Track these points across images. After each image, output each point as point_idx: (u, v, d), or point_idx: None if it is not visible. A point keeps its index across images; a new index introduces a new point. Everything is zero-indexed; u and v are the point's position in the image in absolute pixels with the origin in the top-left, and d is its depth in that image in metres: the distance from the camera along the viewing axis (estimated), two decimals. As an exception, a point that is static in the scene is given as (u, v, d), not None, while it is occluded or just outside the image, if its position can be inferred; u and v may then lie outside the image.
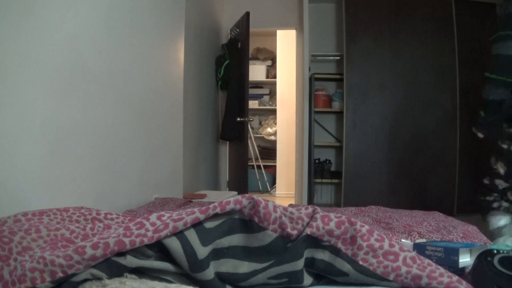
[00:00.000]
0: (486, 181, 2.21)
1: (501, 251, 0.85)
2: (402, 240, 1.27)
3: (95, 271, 0.73)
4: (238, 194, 1.93)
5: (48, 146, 1.49)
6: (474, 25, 4.05)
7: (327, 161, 4.50)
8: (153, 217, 0.81)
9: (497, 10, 2.23)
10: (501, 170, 2.13)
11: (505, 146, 2.10)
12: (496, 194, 2.14)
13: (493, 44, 2.15)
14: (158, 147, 2.56)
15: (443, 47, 4.00)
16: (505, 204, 2.09)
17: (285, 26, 4.78)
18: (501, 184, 2.12)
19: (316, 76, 4.33)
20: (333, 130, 4.62)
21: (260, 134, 5.80)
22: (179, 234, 0.77)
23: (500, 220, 2.12)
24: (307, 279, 0.83)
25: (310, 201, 4.29)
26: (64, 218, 1.09)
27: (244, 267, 0.81)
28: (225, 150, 4.70)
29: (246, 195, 0.85)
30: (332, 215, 0.86)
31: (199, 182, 3.81)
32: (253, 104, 5.49)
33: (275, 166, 5.56)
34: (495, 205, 2.11)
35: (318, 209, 0.88)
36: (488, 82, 2.14)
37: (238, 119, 3.98)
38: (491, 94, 2.12)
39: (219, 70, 4.27)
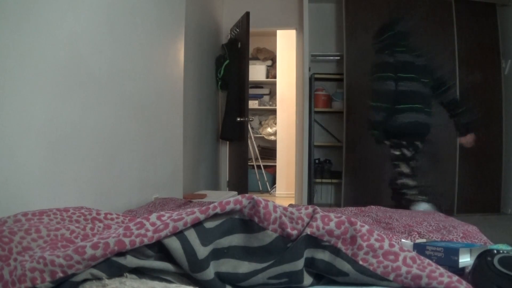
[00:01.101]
0: (400, 181, 2.74)
1: (501, 251, 0.85)
2: (402, 240, 1.27)
3: (95, 271, 0.73)
4: (238, 194, 1.93)
5: (48, 146, 1.49)
6: (474, 25, 4.05)
7: (327, 161, 4.50)
8: (153, 217, 0.81)
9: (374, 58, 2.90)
10: (406, 170, 2.71)
11: (397, 153, 2.74)
12: (412, 192, 2.67)
13: (372, 82, 2.83)
14: (158, 147, 2.56)
15: (443, 47, 3.99)
16: (422, 197, 2.66)
17: (285, 26, 4.78)
18: (410, 182, 2.69)
19: (316, 76, 4.34)
20: (333, 130, 4.62)
21: (260, 134, 5.80)
22: (179, 234, 0.77)
23: (421, 207, 2.64)
24: (307, 279, 0.83)
25: (310, 201, 4.29)
26: (64, 218, 1.09)
27: (244, 267, 0.81)
28: (225, 150, 4.70)
29: (246, 195, 0.85)
30: (332, 215, 0.86)
31: (199, 182, 3.81)
32: (253, 104, 5.49)
33: (275, 166, 5.56)
34: (418, 198, 2.66)
35: (318, 209, 0.88)
36: (372, 108, 2.77)
37: (238, 119, 3.98)
38: (376, 116, 2.74)
39: (219, 70, 4.27)
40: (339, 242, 0.83)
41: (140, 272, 0.77)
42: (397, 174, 2.76)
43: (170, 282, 0.77)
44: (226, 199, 0.85)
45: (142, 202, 2.26)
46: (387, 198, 3.90)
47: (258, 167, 5.64)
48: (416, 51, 2.81)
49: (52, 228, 0.94)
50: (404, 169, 2.71)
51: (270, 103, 5.79)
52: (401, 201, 2.71)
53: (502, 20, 4.10)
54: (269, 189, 5.61)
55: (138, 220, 0.80)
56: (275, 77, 5.56)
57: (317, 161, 4.45)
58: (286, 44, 5.35)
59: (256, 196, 0.85)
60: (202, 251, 0.77)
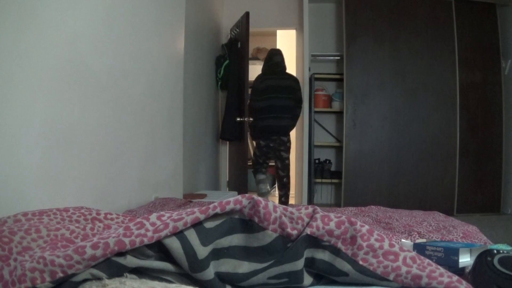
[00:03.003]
0: (253, 158, 4.14)
1: (501, 251, 0.85)
2: (402, 240, 1.27)
3: (95, 271, 0.73)
4: (238, 194, 1.93)
5: (48, 146, 1.49)
6: (474, 25, 4.06)
7: (327, 161, 4.50)
8: (153, 217, 0.81)
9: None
10: (257, 152, 4.01)
11: (255, 142, 4.08)
12: (258, 166, 4.08)
13: (250, 100, 4.00)
14: (158, 147, 2.56)
15: (443, 47, 4.00)
16: (263, 170, 4.10)
17: (285, 26, 4.78)
18: (258, 160, 4.06)
19: (316, 76, 4.34)
20: (333, 130, 4.63)
21: (260, 134, 5.79)
22: (179, 234, 0.77)
23: (261, 175, 4.07)
24: (307, 279, 0.83)
25: (310, 201, 4.29)
26: (64, 218, 1.09)
27: (244, 267, 0.81)
28: (225, 150, 4.70)
29: (246, 195, 0.85)
30: (332, 215, 0.86)
31: (199, 182, 3.81)
32: (253, 104, 5.48)
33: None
34: (261, 170, 4.08)
35: (318, 209, 0.88)
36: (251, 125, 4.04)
37: (238, 119, 3.98)
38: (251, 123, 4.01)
39: (219, 70, 4.27)
40: (339, 242, 0.83)
41: (140, 272, 0.77)
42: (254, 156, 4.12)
43: (170, 282, 0.77)
44: (226, 199, 0.85)
45: (142, 202, 2.26)
46: (387, 198, 3.91)
47: (258, 167, 5.63)
48: (283, 76, 3.96)
49: (52, 228, 0.94)
50: (257, 151, 4.04)
51: (270, 103, 5.78)
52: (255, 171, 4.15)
53: (502, 20, 4.10)
54: (269, 189, 5.61)
55: (138, 220, 0.80)
56: (275, 77, 5.55)
57: (317, 161, 4.45)
58: (286, 44, 5.35)
59: (256, 196, 0.85)
60: (202, 251, 0.77)
